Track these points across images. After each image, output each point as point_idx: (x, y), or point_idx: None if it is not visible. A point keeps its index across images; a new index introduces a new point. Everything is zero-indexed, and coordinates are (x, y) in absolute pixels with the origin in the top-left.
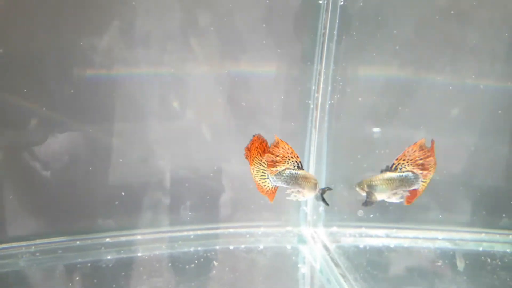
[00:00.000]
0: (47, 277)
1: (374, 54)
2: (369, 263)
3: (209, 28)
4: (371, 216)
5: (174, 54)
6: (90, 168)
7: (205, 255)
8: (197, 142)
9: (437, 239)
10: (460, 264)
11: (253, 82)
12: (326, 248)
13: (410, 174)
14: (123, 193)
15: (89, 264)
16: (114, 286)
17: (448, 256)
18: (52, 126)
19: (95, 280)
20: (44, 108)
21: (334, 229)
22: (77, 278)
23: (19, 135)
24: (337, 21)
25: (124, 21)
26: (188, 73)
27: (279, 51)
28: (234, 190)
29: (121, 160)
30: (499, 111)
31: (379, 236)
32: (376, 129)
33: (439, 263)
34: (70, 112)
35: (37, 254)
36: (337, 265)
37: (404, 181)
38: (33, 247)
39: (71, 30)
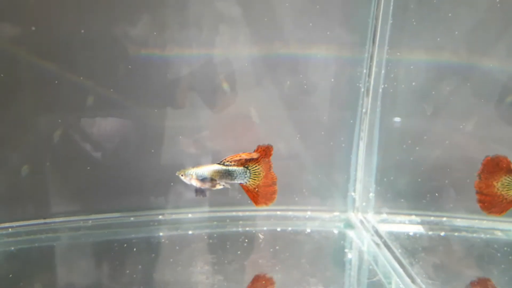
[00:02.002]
0: (103, 251)
1: (428, 38)
2: (423, 249)
3: (259, 9)
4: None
5: (225, 35)
6: (153, 150)
7: (254, 235)
8: (246, 124)
9: (488, 229)
10: None
11: (302, 64)
12: (377, 233)
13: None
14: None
15: (143, 240)
16: (171, 260)
17: (503, 247)
18: (108, 105)
19: (153, 255)
20: (100, 87)
21: (384, 216)
22: (133, 252)
23: (76, 113)
24: (391, 3)
25: (177, 1)
26: (238, 54)
27: (328, 33)
28: (280, 173)
29: (172, 140)
30: None
31: (428, 224)
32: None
33: (498, 254)
34: (124, 91)
35: (94, 228)
36: (390, 250)
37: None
38: (90, 222)
39: (127, 9)
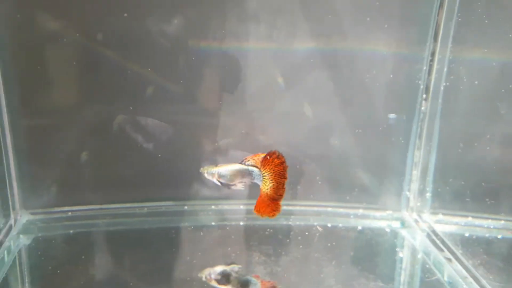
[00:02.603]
0: (159, 237)
1: (495, 36)
2: (484, 251)
3: (318, 3)
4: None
5: (282, 29)
6: (216, 144)
7: (305, 229)
8: (298, 119)
9: None
10: None
11: (360, 59)
12: (434, 233)
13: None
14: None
15: (197, 228)
16: (229, 249)
17: None
18: (166, 96)
19: (211, 242)
20: (159, 78)
21: (440, 216)
22: (187, 240)
23: (137, 103)
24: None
25: None
26: (295, 49)
27: (387, 27)
28: (332, 169)
29: (226, 132)
30: None
31: (485, 227)
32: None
33: None
34: (182, 84)
35: (149, 215)
36: (450, 250)
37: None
38: (145, 209)
39: (187, 2)
